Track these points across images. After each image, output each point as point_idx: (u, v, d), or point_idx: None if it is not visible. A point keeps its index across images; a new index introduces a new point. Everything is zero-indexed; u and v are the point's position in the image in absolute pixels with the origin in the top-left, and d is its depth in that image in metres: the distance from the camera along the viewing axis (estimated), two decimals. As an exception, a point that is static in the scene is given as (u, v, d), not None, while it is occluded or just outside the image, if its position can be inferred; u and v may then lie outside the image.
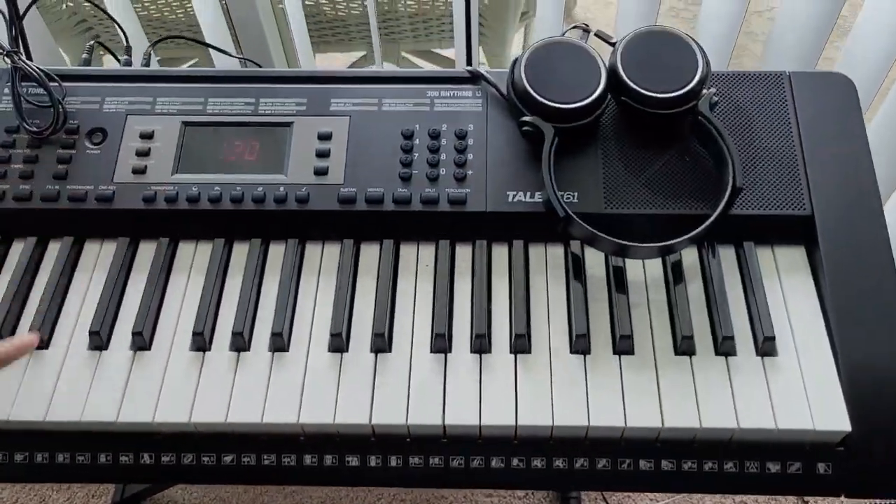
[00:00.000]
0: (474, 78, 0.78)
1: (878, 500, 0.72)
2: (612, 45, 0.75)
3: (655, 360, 0.67)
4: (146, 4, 1.43)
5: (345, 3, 1.41)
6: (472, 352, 0.68)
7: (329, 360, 0.68)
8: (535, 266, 0.73)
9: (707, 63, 0.72)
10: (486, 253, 0.73)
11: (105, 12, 1.05)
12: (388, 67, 1.46)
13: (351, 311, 0.71)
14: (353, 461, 0.66)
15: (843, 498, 0.64)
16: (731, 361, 0.67)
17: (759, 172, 0.73)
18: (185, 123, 0.77)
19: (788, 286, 0.71)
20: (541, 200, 0.72)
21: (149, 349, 0.69)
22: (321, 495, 1.30)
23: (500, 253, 0.74)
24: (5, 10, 0.81)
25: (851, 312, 0.68)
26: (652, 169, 0.73)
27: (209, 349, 0.69)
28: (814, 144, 0.75)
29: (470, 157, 0.74)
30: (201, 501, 1.28)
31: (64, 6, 1.42)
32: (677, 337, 0.68)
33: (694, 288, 0.71)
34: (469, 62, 1.13)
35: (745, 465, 0.64)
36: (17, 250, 0.75)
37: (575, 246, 0.74)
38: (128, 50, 0.92)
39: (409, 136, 0.75)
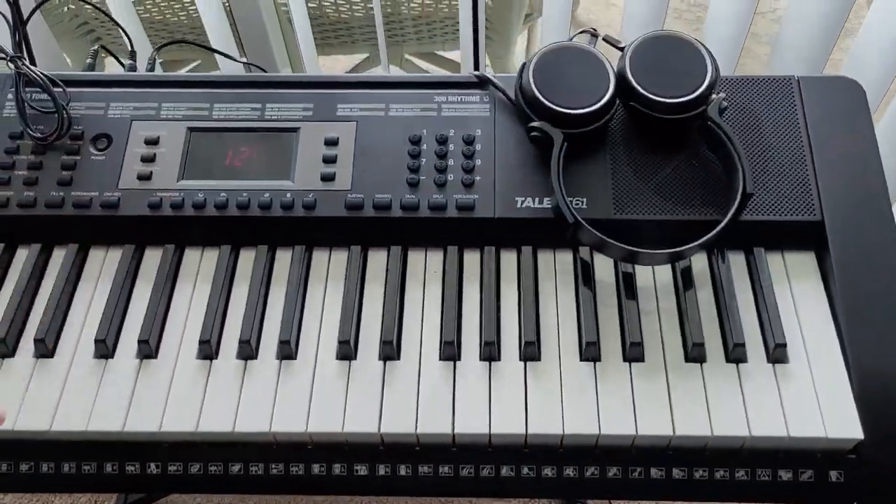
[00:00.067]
0: (482, 83, 0.78)
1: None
2: (621, 49, 0.75)
3: (666, 367, 0.67)
4: (148, 7, 1.42)
5: (348, 6, 1.41)
6: (481, 359, 0.68)
7: (337, 367, 0.68)
8: (543, 272, 0.73)
9: (716, 68, 0.72)
10: (494, 259, 0.73)
11: (109, 17, 1.04)
12: (392, 69, 1.45)
13: (359, 319, 0.70)
14: (361, 470, 0.65)
15: (855, 506, 0.64)
16: (741, 368, 0.67)
17: (768, 178, 0.73)
18: (191, 129, 0.77)
19: (799, 292, 0.71)
20: (549, 206, 0.72)
21: (155, 357, 0.69)
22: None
23: (508, 259, 0.73)
24: (9, 15, 0.81)
25: (863, 319, 0.68)
26: (661, 174, 0.73)
27: (216, 357, 0.69)
28: (823, 150, 0.74)
29: (478, 162, 0.74)
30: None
31: (65, 9, 1.41)
32: (688, 344, 0.68)
33: (704, 294, 0.71)
34: (476, 67, 1.13)
35: (757, 473, 0.64)
36: (22, 257, 0.75)
37: (584, 252, 0.73)
38: (132, 55, 0.92)
39: (416, 142, 0.75)
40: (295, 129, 0.76)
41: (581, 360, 0.67)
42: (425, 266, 0.73)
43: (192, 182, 0.74)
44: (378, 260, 0.74)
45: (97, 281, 0.73)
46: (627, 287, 0.71)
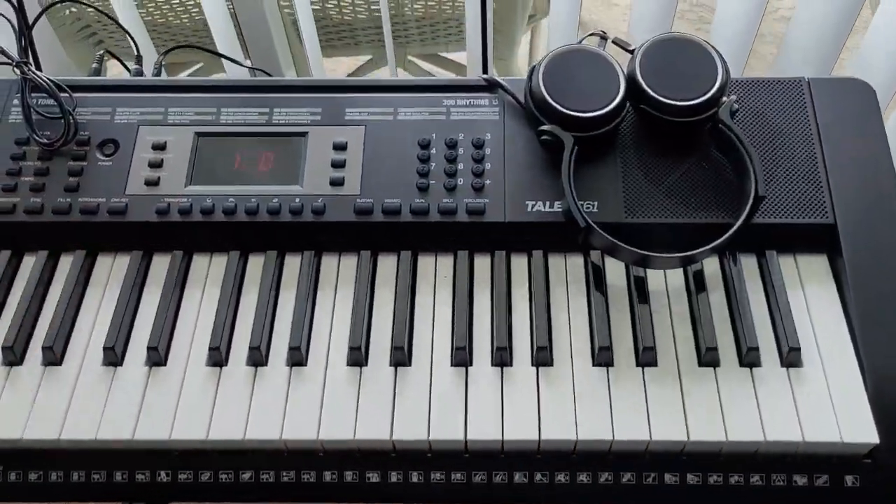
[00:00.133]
0: (490, 86, 0.77)
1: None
2: (630, 52, 0.74)
3: (679, 371, 0.66)
4: (150, 10, 1.41)
5: (351, 7, 1.40)
6: (493, 365, 0.67)
7: (348, 374, 0.67)
8: (555, 277, 0.72)
9: (727, 70, 0.71)
10: (505, 264, 0.72)
11: (115, 21, 1.04)
12: (395, 71, 1.44)
13: (369, 324, 0.70)
14: (373, 477, 0.65)
15: (871, 511, 0.64)
16: (755, 373, 0.66)
17: (780, 180, 0.72)
18: (199, 134, 0.76)
19: (812, 295, 0.70)
20: (560, 210, 0.71)
21: (164, 365, 0.68)
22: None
23: (519, 264, 0.73)
24: (14, 19, 0.80)
25: (876, 321, 0.67)
26: (672, 177, 0.72)
27: (226, 364, 0.68)
28: (835, 151, 0.74)
29: (487, 166, 0.73)
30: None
31: (67, 12, 1.41)
32: (701, 348, 0.67)
33: (716, 298, 0.70)
34: (485, 70, 1.12)
35: (772, 479, 0.64)
36: (29, 264, 0.74)
37: (595, 256, 0.73)
38: (138, 59, 0.91)
39: (425, 146, 0.74)
40: (303, 134, 0.76)
41: (594, 365, 0.67)
42: (435, 271, 0.73)
43: (200, 187, 0.74)
44: (388, 265, 0.73)
45: (105, 288, 0.73)
46: (639, 291, 0.70)
